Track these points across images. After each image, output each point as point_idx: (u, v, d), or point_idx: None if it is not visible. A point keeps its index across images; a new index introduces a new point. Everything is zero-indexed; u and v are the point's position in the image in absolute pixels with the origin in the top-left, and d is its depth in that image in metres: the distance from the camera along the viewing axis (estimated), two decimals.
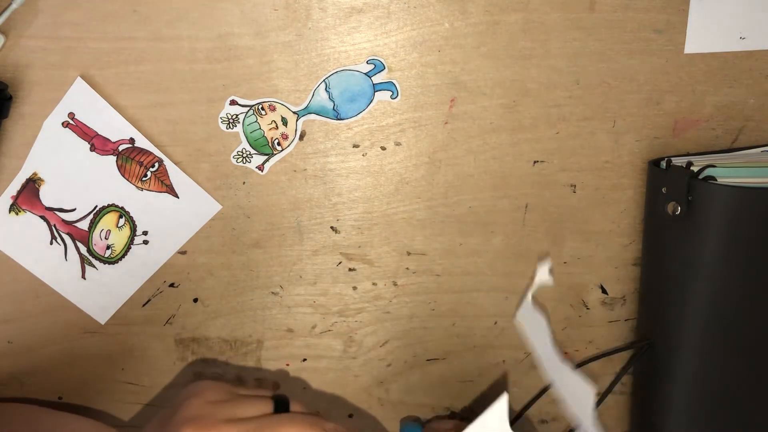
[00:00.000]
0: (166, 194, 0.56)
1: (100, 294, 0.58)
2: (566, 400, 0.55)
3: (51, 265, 0.57)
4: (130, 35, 0.53)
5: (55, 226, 0.57)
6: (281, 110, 0.55)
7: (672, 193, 0.52)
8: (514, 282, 0.59)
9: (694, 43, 0.54)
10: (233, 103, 0.55)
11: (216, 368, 0.61)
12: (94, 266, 0.58)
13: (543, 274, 0.57)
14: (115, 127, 0.54)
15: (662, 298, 0.55)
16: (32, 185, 0.56)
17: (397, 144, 0.56)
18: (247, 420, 0.46)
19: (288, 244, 0.58)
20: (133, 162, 0.55)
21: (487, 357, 0.62)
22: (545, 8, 0.53)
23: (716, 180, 0.50)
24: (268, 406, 0.48)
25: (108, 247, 0.57)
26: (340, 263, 0.59)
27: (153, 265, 0.58)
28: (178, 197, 0.56)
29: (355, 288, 0.60)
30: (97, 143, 0.55)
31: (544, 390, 0.60)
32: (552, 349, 0.56)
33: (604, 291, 0.60)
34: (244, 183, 0.57)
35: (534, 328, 0.57)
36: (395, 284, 0.59)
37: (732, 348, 0.53)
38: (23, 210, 0.56)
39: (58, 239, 0.57)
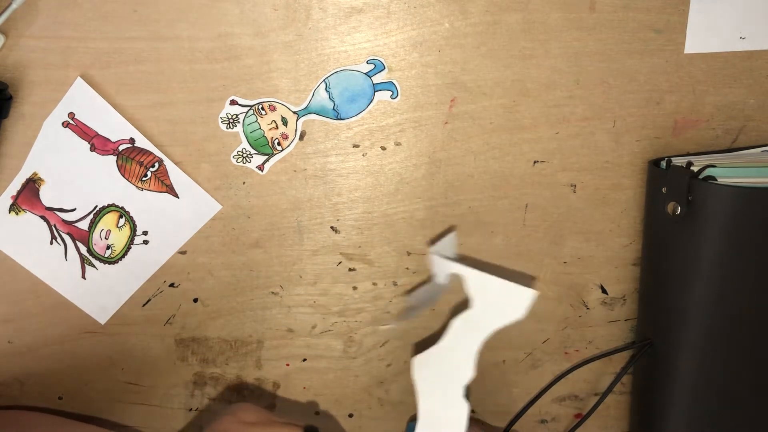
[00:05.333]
0: (166, 194, 0.56)
1: (100, 294, 0.58)
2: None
3: (51, 265, 0.57)
4: (130, 35, 0.53)
5: (55, 226, 0.57)
6: (281, 110, 0.55)
7: (672, 193, 0.52)
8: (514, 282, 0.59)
9: (694, 43, 0.54)
10: (233, 103, 0.55)
11: (216, 368, 0.61)
12: (94, 266, 0.58)
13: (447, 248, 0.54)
14: (115, 127, 0.54)
15: (662, 298, 0.55)
16: (32, 185, 0.56)
17: (397, 144, 0.56)
18: None
19: (288, 244, 0.58)
20: (133, 162, 0.55)
21: (487, 357, 0.61)
22: (545, 8, 0.53)
23: (716, 180, 0.50)
24: None
25: (108, 247, 0.57)
26: (340, 263, 0.59)
27: (153, 265, 0.58)
28: (178, 197, 0.56)
29: (355, 288, 0.60)
30: (97, 143, 0.55)
31: (544, 390, 0.60)
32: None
33: (604, 291, 0.60)
34: (244, 183, 0.57)
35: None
36: (395, 284, 0.59)
37: (732, 347, 0.53)
38: (23, 210, 0.56)
39: (58, 239, 0.57)
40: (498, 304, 0.51)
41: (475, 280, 0.51)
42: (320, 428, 0.53)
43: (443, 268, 0.53)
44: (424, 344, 0.55)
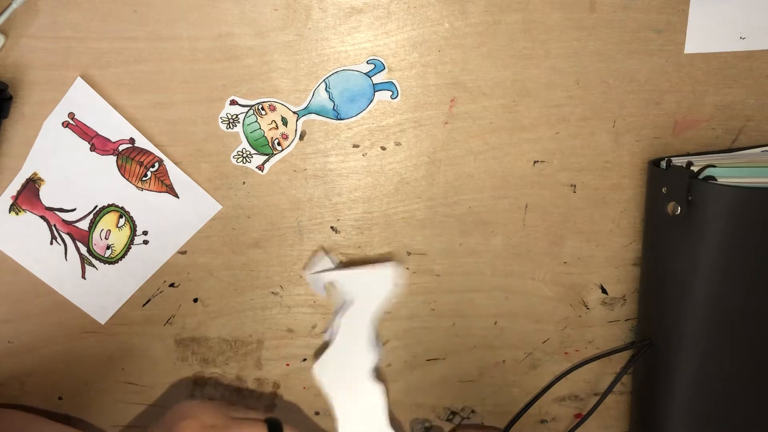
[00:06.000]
0: (166, 194, 0.56)
1: (100, 294, 0.58)
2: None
3: (51, 265, 0.57)
4: (130, 35, 0.53)
5: (55, 226, 0.57)
6: (281, 110, 0.55)
7: (672, 193, 0.52)
8: (514, 282, 0.59)
9: (694, 43, 0.54)
10: (233, 103, 0.55)
11: (216, 368, 0.61)
12: (94, 266, 0.58)
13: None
14: (115, 127, 0.54)
15: (662, 298, 0.55)
16: (32, 185, 0.56)
17: (397, 144, 0.56)
18: None
19: (288, 244, 0.58)
20: (133, 162, 0.55)
21: (486, 357, 0.62)
22: (545, 8, 0.53)
23: (716, 180, 0.50)
24: (261, 431, 0.48)
25: (108, 247, 0.57)
26: (340, 263, 0.59)
27: (153, 265, 0.58)
28: (178, 197, 0.56)
29: None
30: (97, 143, 0.55)
31: (544, 390, 0.60)
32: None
33: (604, 291, 0.60)
34: (244, 183, 0.57)
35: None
36: (395, 284, 0.59)
37: (732, 348, 0.53)
38: (23, 210, 0.56)
39: (58, 239, 0.57)
40: (368, 288, 0.55)
41: (342, 279, 0.56)
42: (326, 426, 0.54)
43: (318, 282, 0.57)
44: (319, 352, 0.59)
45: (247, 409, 0.53)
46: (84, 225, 0.57)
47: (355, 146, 0.56)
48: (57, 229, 0.57)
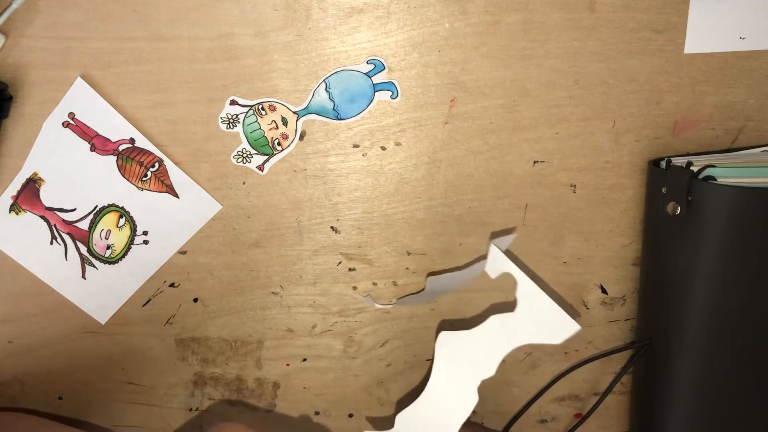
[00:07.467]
0: (166, 194, 0.56)
1: (100, 294, 0.58)
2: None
3: (51, 265, 0.57)
4: (130, 35, 0.53)
5: (55, 226, 0.57)
6: (281, 110, 0.55)
7: (672, 193, 0.52)
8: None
9: (694, 43, 0.54)
10: (233, 103, 0.55)
11: (216, 368, 0.61)
12: (94, 266, 0.58)
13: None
14: (115, 127, 0.54)
15: (662, 297, 0.55)
16: (32, 185, 0.56)
17: (397, 144, 0.56)
18: None
19: (288, 244, 0.58)
20: (133, 162, 0.55)
21: None
22: (545, 8, 0.53)
23: (716, 180, 0.50)
24: None
25: (108, 247, 0.57)
26: (340, 263, 0.59)
27: (153, 265, 0.58)
28: (178, 197, 0.56)
29: (355, 288, 0.60)
30: (97, 143, 0.55)
31: (544, 390, 0.60)
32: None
33: (604, 291, 0.60)
34: (244, 183, 0.57)
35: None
36: (395, 284, 0.59)
37: (732, 348, 0.53)
38: (23, 210, 0.56)
39: (59, 239, 0.57)
40: (541, 322, 0.52)
41: (528, 291, 0.52)
42: (326, 426, 0.53)
43: (498, 263, 0.53)
44: (452, 324, 0.56)
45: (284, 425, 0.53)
46: (84, 225, 0.57)
47: (355, 146, 0.56)
48: (57, 229, 0.57)
